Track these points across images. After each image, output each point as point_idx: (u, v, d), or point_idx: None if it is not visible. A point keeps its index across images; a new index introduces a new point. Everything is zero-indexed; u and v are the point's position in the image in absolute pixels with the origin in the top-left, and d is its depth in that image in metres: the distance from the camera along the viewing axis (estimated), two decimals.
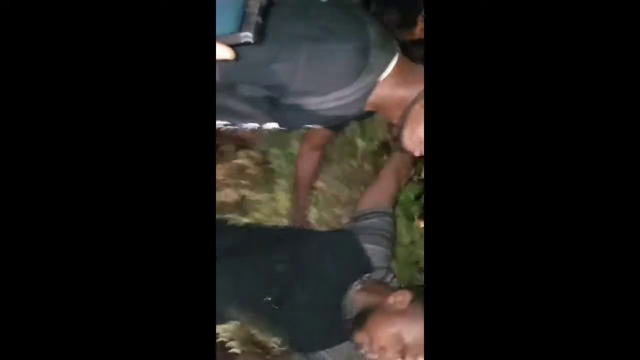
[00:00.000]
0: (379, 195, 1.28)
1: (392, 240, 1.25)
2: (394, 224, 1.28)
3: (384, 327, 0.96)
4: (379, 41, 0.84)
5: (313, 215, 1.57)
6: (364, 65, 0.82)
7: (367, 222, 1.23)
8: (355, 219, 1.28)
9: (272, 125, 0.95)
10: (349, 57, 0.81)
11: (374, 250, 1.18)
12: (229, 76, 0.77)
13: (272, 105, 0.87)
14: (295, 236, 1.29)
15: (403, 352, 0.94)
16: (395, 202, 1.32)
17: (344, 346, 1.06)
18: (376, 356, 0.97)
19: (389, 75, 0.86)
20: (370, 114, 0.99)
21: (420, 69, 0.88)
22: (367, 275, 1.14)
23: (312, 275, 1.11)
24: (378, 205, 1.26)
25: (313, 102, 0.85)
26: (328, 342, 1.07)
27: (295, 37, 0.80)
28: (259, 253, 1.16)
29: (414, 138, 0.87)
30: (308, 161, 1.46)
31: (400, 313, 0.98)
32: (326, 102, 0.84)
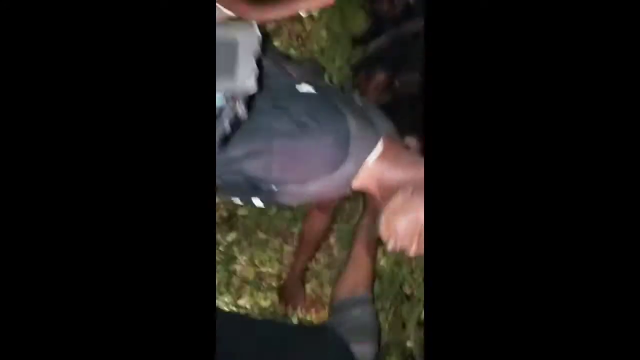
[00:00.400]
0: (353, 280, 1.19)
1: (376, 331, 1.17)
2: (375, 313, 1.20)
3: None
4: (360, 132, 0.83)
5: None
6: (343, 158, 0.82)
7: (347, 315, 1.15)
8: (334, 311, 1.19)
9: (257, 202, 0.95)
10: (326, 152, 0.81)
11: (360, 348, 1.11)
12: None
13: (254, 189, 0.87)
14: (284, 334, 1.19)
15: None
16: (372, 285, 1.22)
17: None
18: None
19: (375, 160, 0.85)
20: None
21: (407, 153, 0.88)
22: None
23: None
24: (354, 293, 1.17)
25: (292, 190, 0.85)
26: None
27: (272, 132, 0.82)
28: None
29: (390, 229, 0.84)
30: (316, 222, 1.44)
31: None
32: (306, 190, 0.85)
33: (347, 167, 0.83)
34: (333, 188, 0.86)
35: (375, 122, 0.88)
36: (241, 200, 0.98)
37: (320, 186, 0.84)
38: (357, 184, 0.87)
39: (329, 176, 0.83)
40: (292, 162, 0.82)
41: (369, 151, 0.84)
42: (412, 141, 0.91)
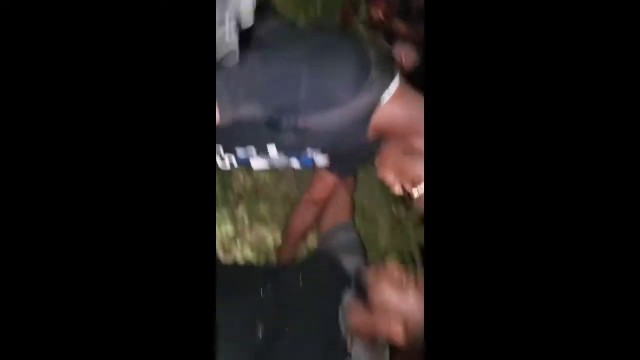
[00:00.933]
0: (335, 211, 1.32)
1: (360, 247, 1.29)
2: (358, 234, 1.33)
3: (384, 292, 1.02)
4: (379, 62, 0.84)
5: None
6: (365, 79, 0.81)
7: (333, 238, 1.27)
8: (322, 240, 1.31)
9: (272, 150, 0.94)
10: (350, 71, 0.81)
11: (348, 260, 1.21)
12: (232, 94, 0.79)
13: (272, 128, 0.87)
14: (277, 272, 1.25)
15: (399, 316, 1.00)
16: (352, 213, 1.35)
17: None
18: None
19: (391, 99, 0.85)
20: (372, 154, 0.98)
21: (421, 98, 0.87)
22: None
23: (301, 306, 1.11)
24: (338, 221, 1.30)
25: (314, 122, 0.85)
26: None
27: (296, 57, 0.81)
28: (245, 291, 1.14)
29: (381, 170, 0.91)
30: (305, 214, 1.38)
31: (396, 285, 1.02)
32: (329, 120, 0.84)
33: (368, 94, 0.83)
34: (354, 122, 0.85)
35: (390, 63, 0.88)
36: (256, 146, 0.96)
37: (342, 115, 0.83)
38: (374, 124, 0.87)
39: (352, 102, 0.82)
40: (317, 82, 0.80)
41: (388, 81, 0.85)
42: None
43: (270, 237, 1.63)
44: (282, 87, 0.81)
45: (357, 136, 0.90)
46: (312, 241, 1.53)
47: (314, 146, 0.99)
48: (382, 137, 0.93)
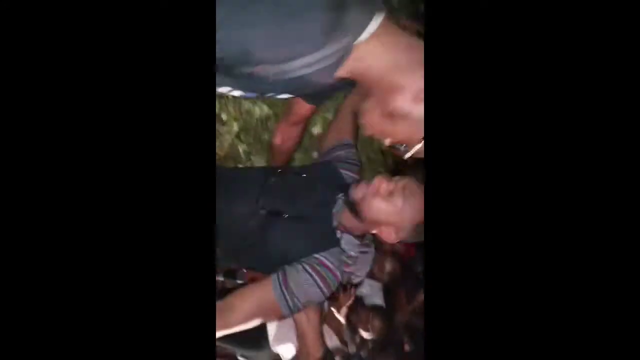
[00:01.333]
0: (339, 131, 1.34)
1: (359, 166, 1.33)
2: (358, 153, 1.36)
3: (372, 206, 1.10)
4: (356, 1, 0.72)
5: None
6: (336, 26, 0.70)
7: (334, 154, 1.30)
8: (323, 155, 1.34)
9: (231, 91, 0.84)
10: (317, 19, 0.69)
11: (346, 171, 1.27)
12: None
13: (225, 74, 0.75)
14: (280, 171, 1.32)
15: (391, 224, 1.10)
16: (356, 135, 1.36)
17: (336, 250, 1.16)
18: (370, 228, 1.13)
19: (370, 39, 0.74)
20: (350, 84, 0.86)
21: (404, 36, 0.78)
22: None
23: (300, 196, 1.19)
24: (340, 140, 1.32)
25: (273, 70, 0.73)
26: (320, 249, 1.14)
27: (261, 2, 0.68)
28: (249, 183, 1.23)
29: (367, 118, 0.83)
30: (286, 137, 1.35)
31: (387, 196, 1.10)
32: (290, 70, 0.73)
33: (339, 41, 0.72)
34: (321, 68, 0.74)
35: None
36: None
37: (306, 65, 0.73)
38: (348, 66, 0.76)
39: (318, 52, 0.72)
40: (278, 34, 0.69)
41: (366, 23, 0.73)
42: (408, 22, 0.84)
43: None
44: (240, 33, 0.69)
45: (326, 78, 0.78)
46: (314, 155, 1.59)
47: (274, 91, 0.88)
48: (361, 84, 0.82)
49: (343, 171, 1.28)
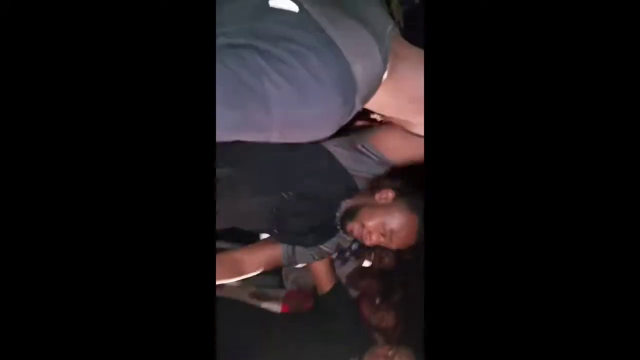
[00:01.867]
0: None
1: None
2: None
3: (371, 217, 1.18)
4: (365, 74, 0.71)
5: None
6: (350, 110, 0.72)
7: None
8: None
9: None
10: (335, 113, 0.71)
11: (359, 180, 1.29)
12: None
13: None
14: None
15: (386, 234, 1.19)
16: None
17: (335, 239, 1.31)
18: (364, 238, 1.20)
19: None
20: None
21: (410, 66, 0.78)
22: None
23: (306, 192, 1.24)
24: None
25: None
26: (321, 239, 1.30)
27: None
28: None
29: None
30: None
31: (385, 207, 1.19)
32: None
33: (353, 112, 0.74)
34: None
35: (377, 32, 0.73)
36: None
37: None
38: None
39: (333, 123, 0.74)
40: (294, 128, 0.71)
41: (375, 88, 0.75)
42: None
43: None
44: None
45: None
46: None
47: None
48: None
49: (357, 177, 1.27)
